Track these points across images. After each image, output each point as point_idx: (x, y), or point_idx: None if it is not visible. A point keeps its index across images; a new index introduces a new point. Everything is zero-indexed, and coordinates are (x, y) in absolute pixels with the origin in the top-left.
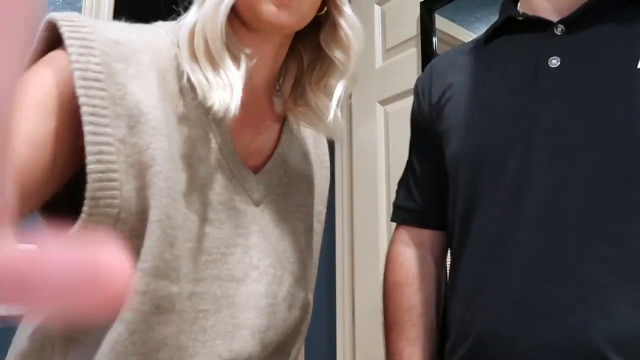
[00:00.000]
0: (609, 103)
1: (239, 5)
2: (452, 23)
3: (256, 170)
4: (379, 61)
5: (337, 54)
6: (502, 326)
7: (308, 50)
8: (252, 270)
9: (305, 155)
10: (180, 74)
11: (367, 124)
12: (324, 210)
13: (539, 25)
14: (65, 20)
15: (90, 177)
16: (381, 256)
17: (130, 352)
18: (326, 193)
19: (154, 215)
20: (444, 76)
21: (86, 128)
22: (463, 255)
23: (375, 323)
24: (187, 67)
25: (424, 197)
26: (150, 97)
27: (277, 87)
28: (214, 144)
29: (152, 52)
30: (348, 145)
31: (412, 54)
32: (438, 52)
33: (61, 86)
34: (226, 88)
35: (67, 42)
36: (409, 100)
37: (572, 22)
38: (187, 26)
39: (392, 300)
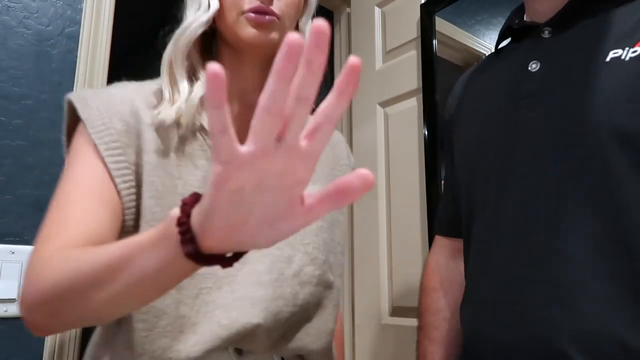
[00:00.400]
0: (578, 104)
1: (224, 31)
2: (452, 25)
3: None
4: (379, 63)
5: None
6: (483, 327)
7: None
8: (256, 253)
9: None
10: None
11: (367, 125)
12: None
13: (531, 30)
14: (76, 100)
15: (125, 192)
16: (381, 257)
17: (137, 319)
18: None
19: (147, 213)
20: (462, 89)
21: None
22: (467, 261)
23: (375, 324)
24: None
25: (453, 207)
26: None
27: None
28: (202, 144)
29: (141, 90)
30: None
31: (412, 56)
32: (438, 54)
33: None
34: (171, 100)
35: (84, 122)
36: (409, 102)
37: (557, 23)
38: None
39: (422, 304)
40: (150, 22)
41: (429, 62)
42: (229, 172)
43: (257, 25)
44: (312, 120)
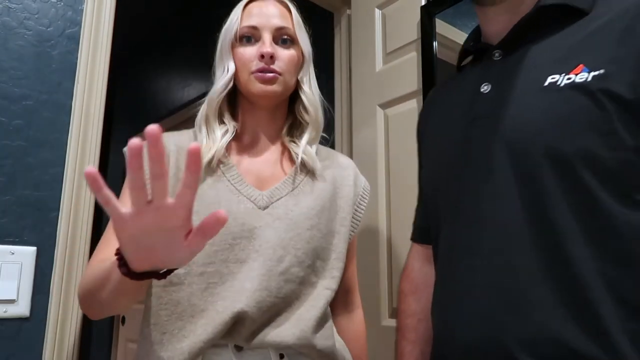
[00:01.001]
0: (519, 126)
1: (240, 86)
2: (452, 27)
3: (266, 189)
4: (379, 65)
5: (304, 116)
6: (445, 328)
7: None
8: (254, 253)
9: (323, 174)
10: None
11: (367, 127)
12: (347, 218)
13: (483, 52)
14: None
15: None
16: (381, 259)
17: (159, 307)
18: (350, 203)
19: None
20: (427, 106)
21: None
22: (435, 267)
23: (374, 325)
24: (196, 132)
25: (425, 216)
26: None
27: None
28: (221, 175)
29: (173, 138)
30: (348, 148)
31: (413, 58)
32: (438, 56)
33: None
34: (208, 145)
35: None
36: (409, 104)
37: (506, 46)
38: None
39: (399, 307)
40: (151, 24)
41: (429, 63)
42: (118, 226)
43: (263, 81)
44: (179, 187)
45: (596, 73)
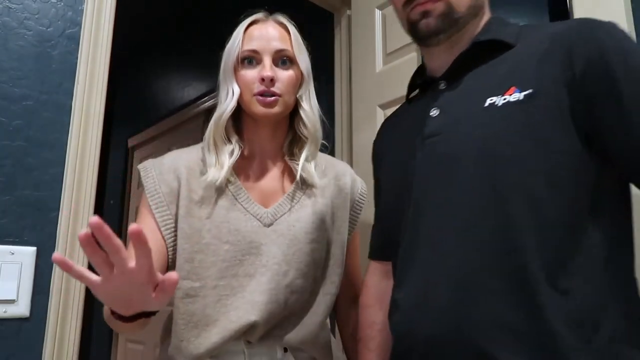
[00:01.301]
0: (465, 140)
1: (244, 107)
2: None
3: (270, 205)
4: (379, 65)
5: (303, 132)
6: (401, 328)
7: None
8: (261, 268)
9: (322, 188)
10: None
11: (367, 127)
12: (344, 226)
13: (430, 83)
14: (141, 169)
15: (168, 237)
16: None
17: (178, 317)
18: (347, 211)
19: (181, 248)
20: (382, 133)
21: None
22: (393, 276)
23: None
24: (205, 151)
25: (381, 236)
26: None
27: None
28: (229, 195)
29: (182, 159)
30: (348, 148)
31: (413, 59)
32: None
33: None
34: (217, 168)
35: (144, 187)
36: None
37: (449, 77)
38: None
39: (360, 318)
40: (151, 24)
41: None
42: (94, 290)
43: (264, 104)
44: (136, 257)
45: (526, 92)
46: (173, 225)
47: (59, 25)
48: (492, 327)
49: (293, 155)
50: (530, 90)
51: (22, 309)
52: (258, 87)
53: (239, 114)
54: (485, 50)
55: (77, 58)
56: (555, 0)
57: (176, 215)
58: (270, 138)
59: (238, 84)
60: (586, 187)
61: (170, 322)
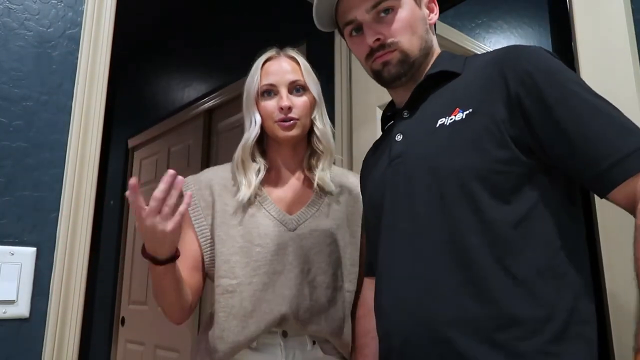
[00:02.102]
0: (422, 156)
1: (267, 131)
2: (452, 29)
3: (293, 212)
4: None
5: (319, 147)
6: (383, 330)
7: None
8: (288, 266)
9: (337, 196)
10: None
11: (367, 128)
12: (358, 230)
13: (396, 114)
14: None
15: (206, 243)
16: None
17: (220, 310)
18: (360, 217)
19: (220, 254)
20: (365, 160)
21: (195, 225)
22: (376, 286)
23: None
24: (234, 170)
25: (370, 252)
26: (218, 199)
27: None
28: (258, 205)
29: (216, 177)
30: (348, 149)
31: None
32: None
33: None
34: (247, 186)
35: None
36: None
37: (409, 107)
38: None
39: (355, 329)
40: (151, 24)
41: None
42: (139, 223)
43: (285, 128)
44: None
45: (468, 111)
46: (209, 234)
47: (59, 25)
48: (455, 318)
49: (311, 168)
50: (470, 110)
51: (21, 309)
52: (278, 115)
53: (262, 138)
54: (437, 80)
55: (77, 59)
56: (555, 0)
57: (212, 225)
58: (291, 155)
59: (260, 113)
60: (528, 190)
61: (211, 319)
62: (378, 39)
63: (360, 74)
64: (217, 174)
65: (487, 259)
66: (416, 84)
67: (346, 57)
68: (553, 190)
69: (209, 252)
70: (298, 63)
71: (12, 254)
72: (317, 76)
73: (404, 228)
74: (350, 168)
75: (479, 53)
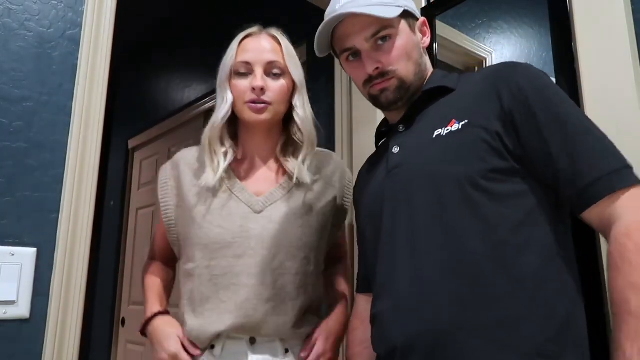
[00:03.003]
0: (420, 166)
1: (237, 113)
2: (453, 29)
3: (261, 195)
4: None
5: (298, 136)
6: (376, 339)
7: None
8: (250, 251)
9: (312, 183)
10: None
11: (367, 128)
12: (328, 216)
13: (391, 129)
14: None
15: (170, 224)
16: None
17: (182, 295)
18: (334, 201)
19: (172, 232)
20: (359, 178)
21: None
22: (373, 294)
23: None
24: (201, 152)
25: (365, 266)
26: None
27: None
28: (224, 187)
29: (187, 156)
30: (348, 148)
31: None
32: (439, 58)
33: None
34: (213, 170)
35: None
36: None
37: (405, 122)
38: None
39: (348, 340)
40: (151, 25)
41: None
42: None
43: (254, 110)
44: None
45: (463, 122)
46: (173, 215)
47: (60, 26)
48: (457, 323)
49: (286, 156)
50: (466, 121)
51: (22, 310)
52: (249, 96)
53: (234, 120)
54: (432, 96)
55: (77, 59)
56: (555, 1)
57: (176, 205)
58: (263, 141)
59: (232, 93)
60: (525, 196)
61: (179, 298)
62: (377, 68)
63: None
64: (188, 154)
65: (488, 262)
66: (410, 103)
67: None
68: (548, 198)
69: (173, 234)
70: (280, 44)
71: (13, 255)
72: (320, 69)
73: (404, 234)
74: (351, 168)
75: (478, 53)
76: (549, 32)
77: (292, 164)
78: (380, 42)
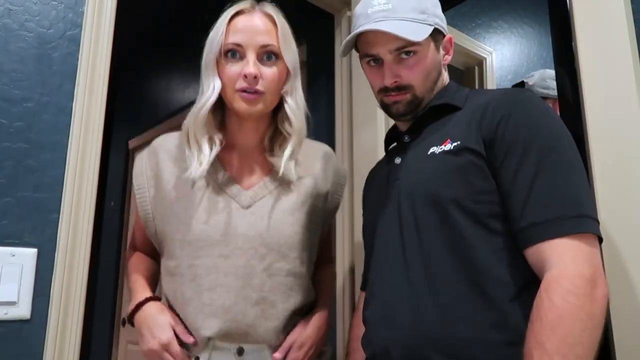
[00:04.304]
0: (414, 182)
1: (226, 101)
2: (453, 29)
3: (249, 189)
4: None
5: (287, 128)
6: (370, 336)
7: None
8: (237, 250)
9: (300, 180)
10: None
11: (367, 128)
12: (323, 209)
13: (399, 136)
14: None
15: (147, 217)
16: None
17: (166, 294)
18: (324, 197)
19: (157, 226)
20: (367, 183)
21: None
22: (366, 298)
23: None
24: (183, 141)
25: (366, 266)
26: (167, 171)
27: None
28: (208, 178)
29: (166, 143)
30: (349, 149)
31: None
32: None
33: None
34: (197, 164)
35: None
36: None
37: (410, 132)
38: (185, 122)
39: (350, 335)
40: (151, 26)
41: None
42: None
43: (246, 100)
44: None
45: (456, 143)
46: (149, 207)
47: (60, 27)
48: (433, 340)
49: (273, 151)
50: (458, 142)
51: (22, 310)
52: (241, 84)
53: (220, 106)
54: (440, 111)
55: (77, 60)
56: (555, 1)
57: (154, 197)
58: (252, 132)
59: (221, 78)
60: (504, 219)
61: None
62: (395, 81)
63: (360, 74)
64: (168, 140)
65: (462, 283)
66: (418, 115)
67: (346, 57)
68: None
69: (151, 228)
70: (275, 24)
71: (13, 255)
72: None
73: (395, 247)
74: (351, 168)
75: (479, 53)
76: (549, 32)
77: (277, 160)
78: (404, 56)
